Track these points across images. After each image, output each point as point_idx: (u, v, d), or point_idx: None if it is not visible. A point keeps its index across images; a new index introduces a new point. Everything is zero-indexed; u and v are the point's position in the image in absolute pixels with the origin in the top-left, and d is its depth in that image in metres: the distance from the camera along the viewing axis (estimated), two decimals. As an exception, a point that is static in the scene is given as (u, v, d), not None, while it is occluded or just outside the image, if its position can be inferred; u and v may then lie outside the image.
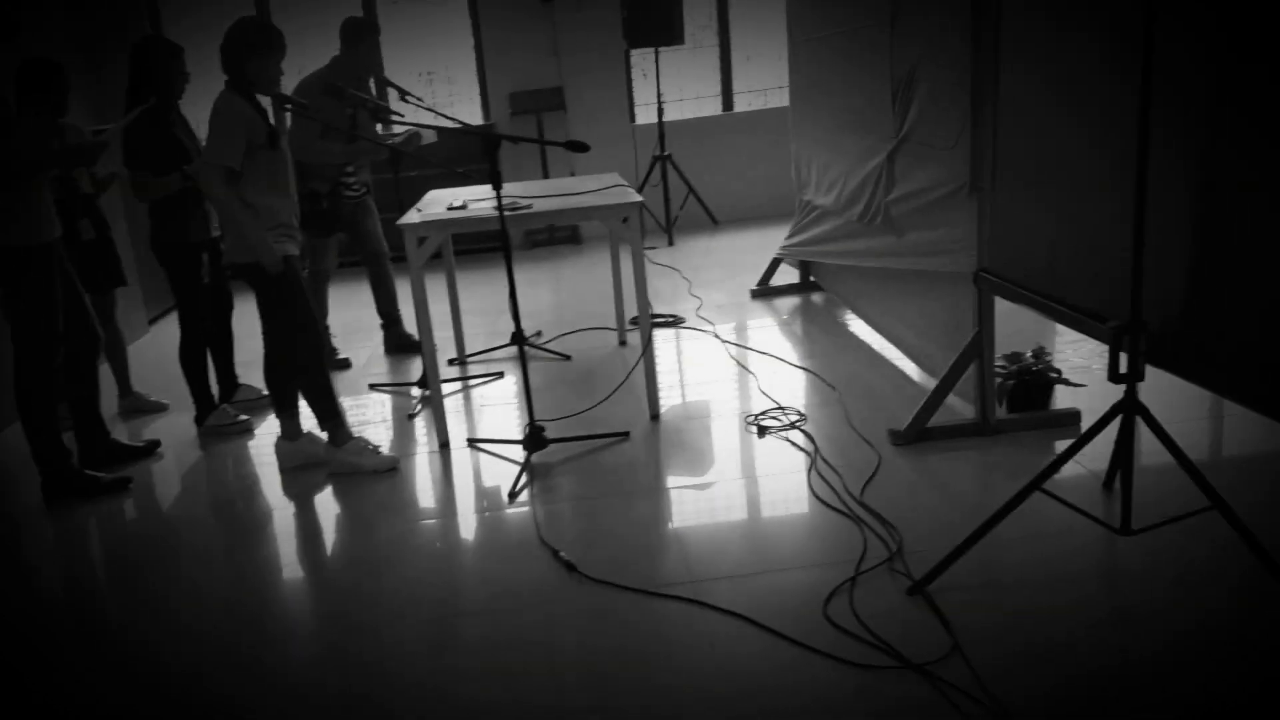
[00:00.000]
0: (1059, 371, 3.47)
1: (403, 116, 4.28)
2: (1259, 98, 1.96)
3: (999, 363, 3.46)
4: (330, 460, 3.63)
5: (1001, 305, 3.21)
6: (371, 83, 4.80)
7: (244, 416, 4.22)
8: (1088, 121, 2.48)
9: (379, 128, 4.98)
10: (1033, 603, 2.38)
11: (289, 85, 3.89)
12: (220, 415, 4.16)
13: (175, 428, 4.29)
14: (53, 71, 3.93)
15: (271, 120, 3.42)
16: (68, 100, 4.02)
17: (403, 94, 4.40)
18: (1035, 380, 3.43)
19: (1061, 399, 3.54)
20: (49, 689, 2.47)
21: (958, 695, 2.05)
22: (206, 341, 4.21)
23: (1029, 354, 3.48)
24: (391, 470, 3.60)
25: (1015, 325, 3.81)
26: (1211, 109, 2.08)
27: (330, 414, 3.59)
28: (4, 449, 4.18)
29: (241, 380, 4.46)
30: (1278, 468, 3.00)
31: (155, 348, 5.62)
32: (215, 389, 4.31)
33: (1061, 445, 3.26)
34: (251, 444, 4.07)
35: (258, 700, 2.33)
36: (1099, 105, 2.40)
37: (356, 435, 3.71)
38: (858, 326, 4.77)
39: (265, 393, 4.17)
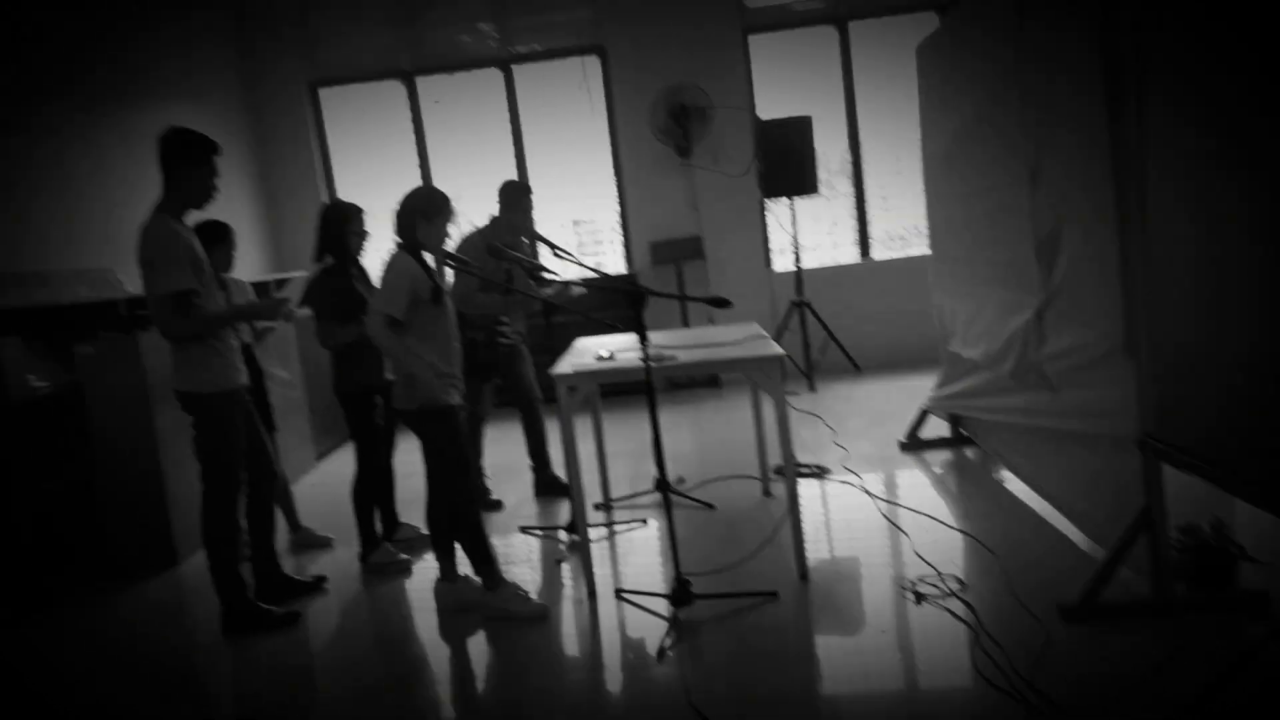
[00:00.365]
0: (1241, 547, 3.25)
1: (556, 273, 4.54)
2: None
3: (1175, 535, 3.28)
4: (484, 605, 3.71)
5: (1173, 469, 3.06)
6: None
7: (404, 556, 4.38)
8: (1251, 282, 2.40)
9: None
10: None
11: (452, 241, 4.20)
12: (383, 554, 4.34)
13: (340, 563, 4.49)
14: (224, 231, 4.38)
15: (436, 279, 3.69)
16: (234, 257, 4.45)
17: (554, 249, 4.66)
18: (1214, 558, 3.22)
19: (1248, 575, 3.30)
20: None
21: None
22: (376, 481, 4.43)
23: (1207, 527, 3.29)
24: (542, 618, 3.65)
25: (1185, 482, 3.61)
26: None
27: (485, 559, 3.69)
28: (187, 577, 4.45)
29: (402, 519, 4.66)
30: None
31: (322, 484, 5.93)
32: (379, 526, 4.51)
33: (1251, 629, 3.02)
34: (409, 582, 4.21)
35: None
36: (1260, 265, 2.33)
37: (511, 581, 3.79)
38: (1016, 486, 4.61)
39: (424, 532, 4.34)
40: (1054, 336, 3.76)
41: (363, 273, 4.46)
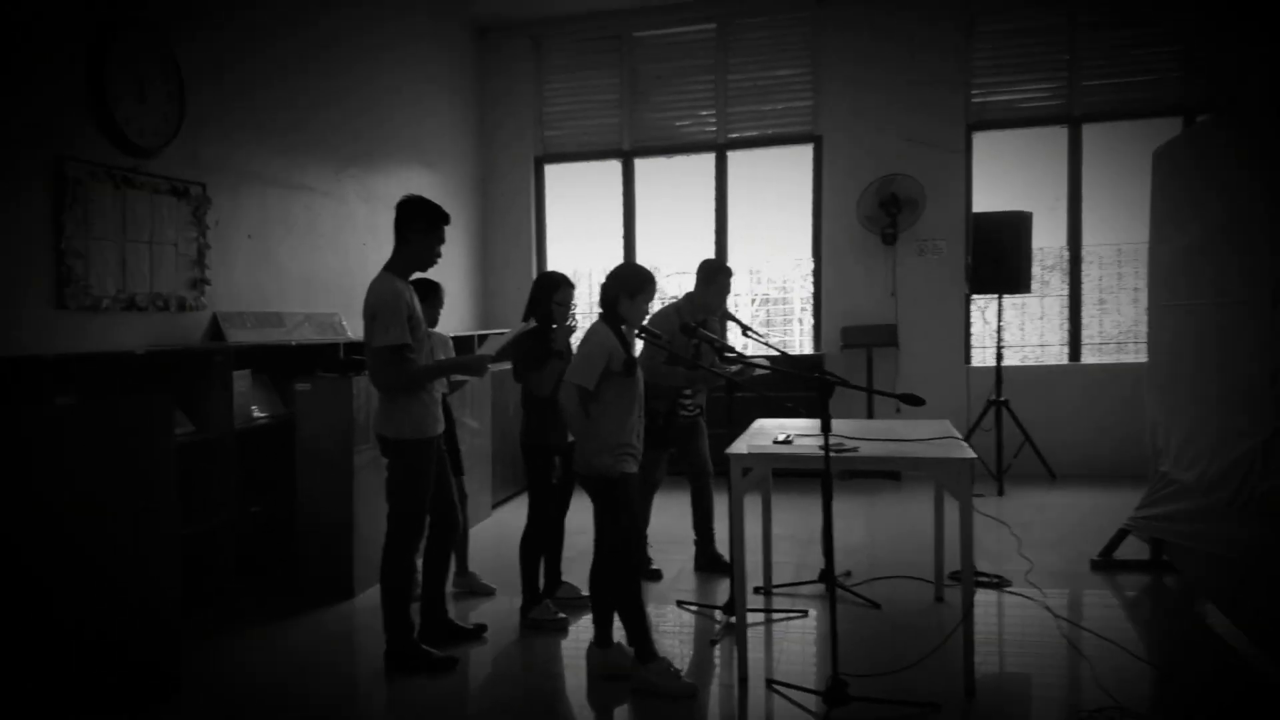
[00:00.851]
0: None
1: (742, 353, 4.56)
2: None
3: None
4: (634, 675, 3.72)
5: None
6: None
7: (563, 615, 4.46)
8: None
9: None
10: None
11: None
12: (543, 610, 4.44)
13: (499, 613, 4.63)
14: (434, 289, 4.70)
15: (630, 351, 3.81)
16: (439, 314, 4.75)
17: (745, 329, 4.70)
18: None
19: None
20: None
21: None
22: (548, 536, 4.55)
23: None
24: (690, 698, 3.61)
25: None
26: None
27: (640, 630, 3.71)
28: (359, 610, 4.72)
29: (565, 578, 4.75)
30: None
31: (494, 532, 6.17)
32: (542, 581, 4.62)
33: None
34: (564, 642, 4.28)
35: None
36: None
37: (662, 655, 3.78)
38: (1219, 621, 4.16)
39: (585, 593, 4.41)
40: (1283, 464, 3.41)
41: (564, 337, 4.61)
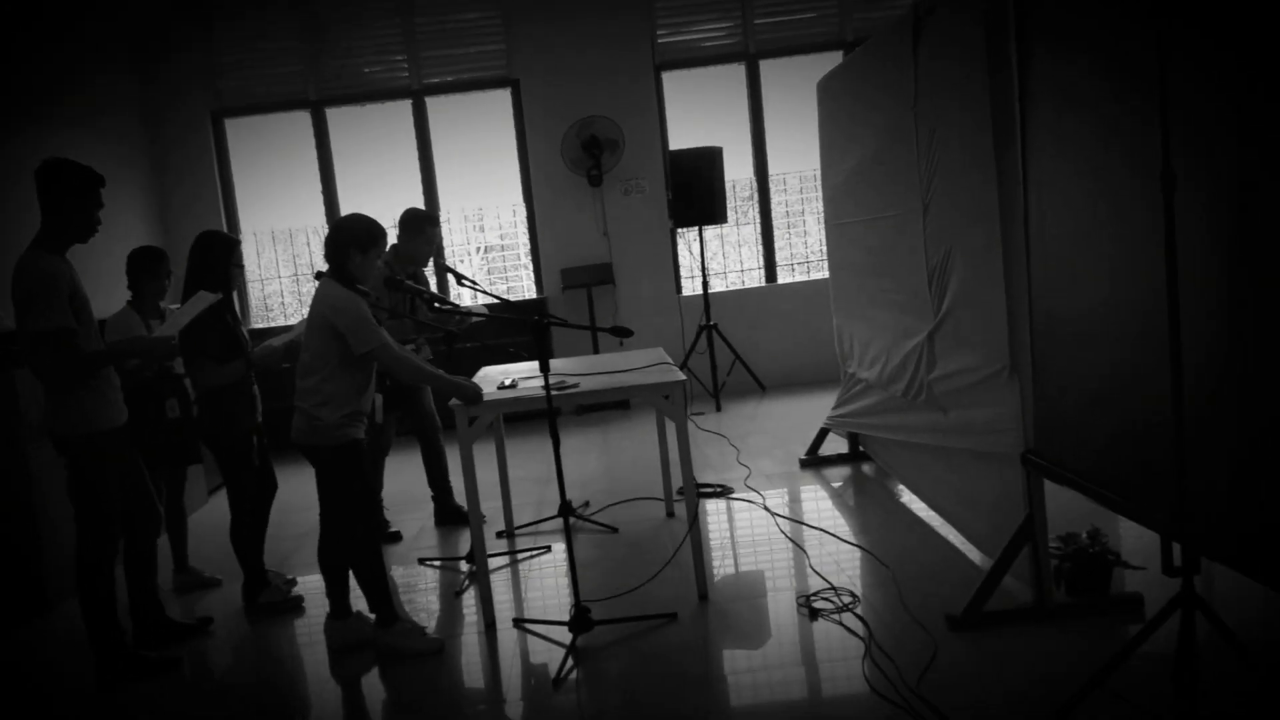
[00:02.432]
0: (1117, 554, 3.39)
1: (455, 303, 4.48)
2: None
3: (1054, 544, 3.39)
4: (377, 641, 3.62)
5: (1053, 484, 3.18)
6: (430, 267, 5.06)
7: (297, 592, 4.23)
8: (1130, 311, 2.52)
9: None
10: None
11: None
12: (272, 593, 4.18)
13: (228, 604, 4.32)
14: (158, 257, 4.33)
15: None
16: (166, 285, 4.36)
17: (459, 279, 4.62)
18: (1092, 563, 3.34)
19: (1125, 580, 3.43)
20: None
21: None
22: (255, 520, 4.25)
23: (1084, 535, 3.41)
24: (438, 652, 3.57)
25: (1069, 496, 3.74)
26: (1234, 280, 2.12)
27: (380, 594, 3.60)
28: (60, 625, 4.22)
29: (295, 556, 4.48)
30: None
31: (212, 520, 5.72)
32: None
33: (1127, 631, 3.14)
34: (301, 621, 4.08)
35: None
36: (1139, 293, 2.45)
37: (404, 616, 3.70)
38: (909, 499, 4.72)
39: (293, 594, 4.20)
40: (944, 359, 3.88)
41: (232, 308, 4.24)
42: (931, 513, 4.42)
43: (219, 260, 4.09)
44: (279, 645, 3.87)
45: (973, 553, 3.92)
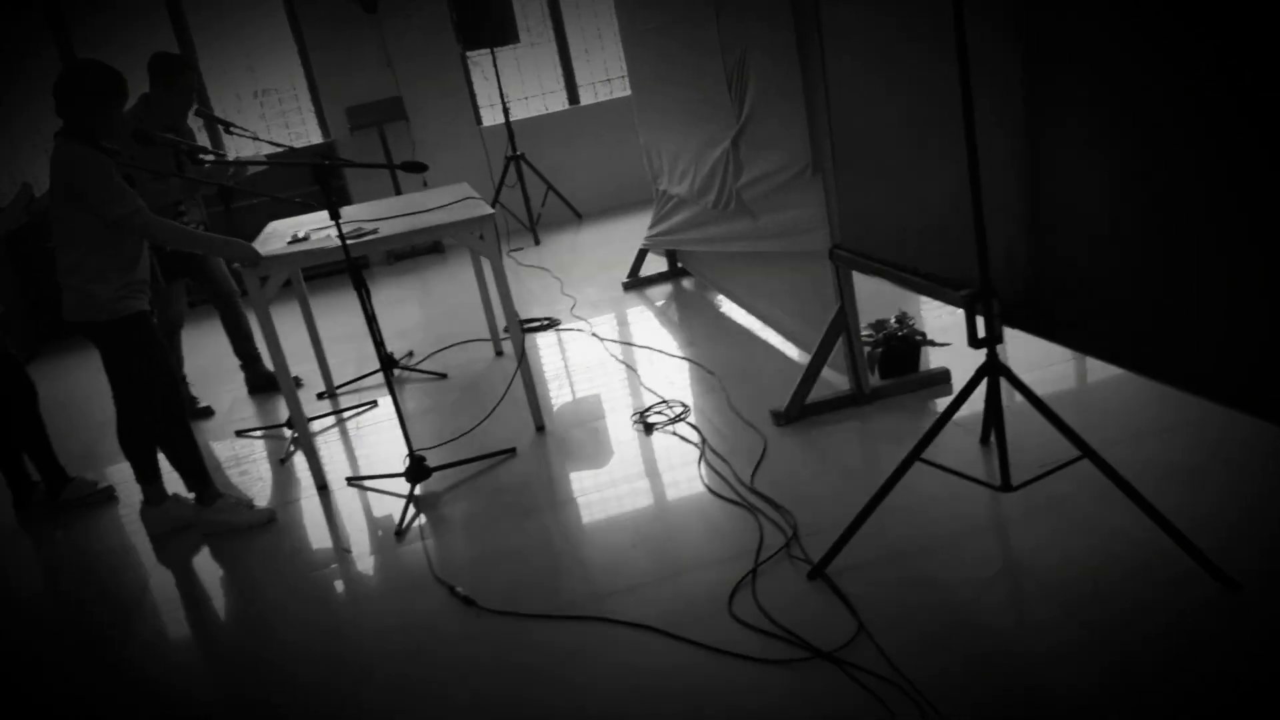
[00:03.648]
0: (924, 334, 3.58)
1: (224, 154, 4.05)
2: (1073, 55, 2.04)
3: (865, 332, 3.54)
4: (200, 521, 3.42)
5: (864, 275, 3.28)
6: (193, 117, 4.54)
7: (106, 483, 3.90)
8: (915, 96, 2.54)
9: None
10: (930, 571, 2.44)
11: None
12: (77, 486, 3.84)
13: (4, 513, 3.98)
14: None
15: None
16: None
17: (227, 127, 4.17)
18: (902, 345, 3.52)
19: (933, 358, 3.65)
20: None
21: (869, 679, 2.08)
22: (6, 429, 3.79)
23: (893, 320, 3.58)
24: (269, 523, 3.43)
25: (878, 290, 3.90)
26: (1029, 76, 2.15)
27: (195, 473, 3.38)
28: None
29: (73, 474, 4.03)
30: (1136, 396, 3.16)
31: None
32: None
33: (938, 404, 3.36)
34: (120, 511, 3.80)
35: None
36: (923, 78, 2.46)
37: (225, 492, 3.51)
38: (730, 308, 4.81)
39: (101, 486, 3.88)
40: (749, 165, 3.85)
41: None
42: (752, 318, 4.52)
43: None
44: (94, 542, 3.61)
45: (793, 351, 4.06)
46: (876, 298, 3.94)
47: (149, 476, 3.45)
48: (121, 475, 4.10)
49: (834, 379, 3.57)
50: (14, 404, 3.78)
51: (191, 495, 3.44)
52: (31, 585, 3.44)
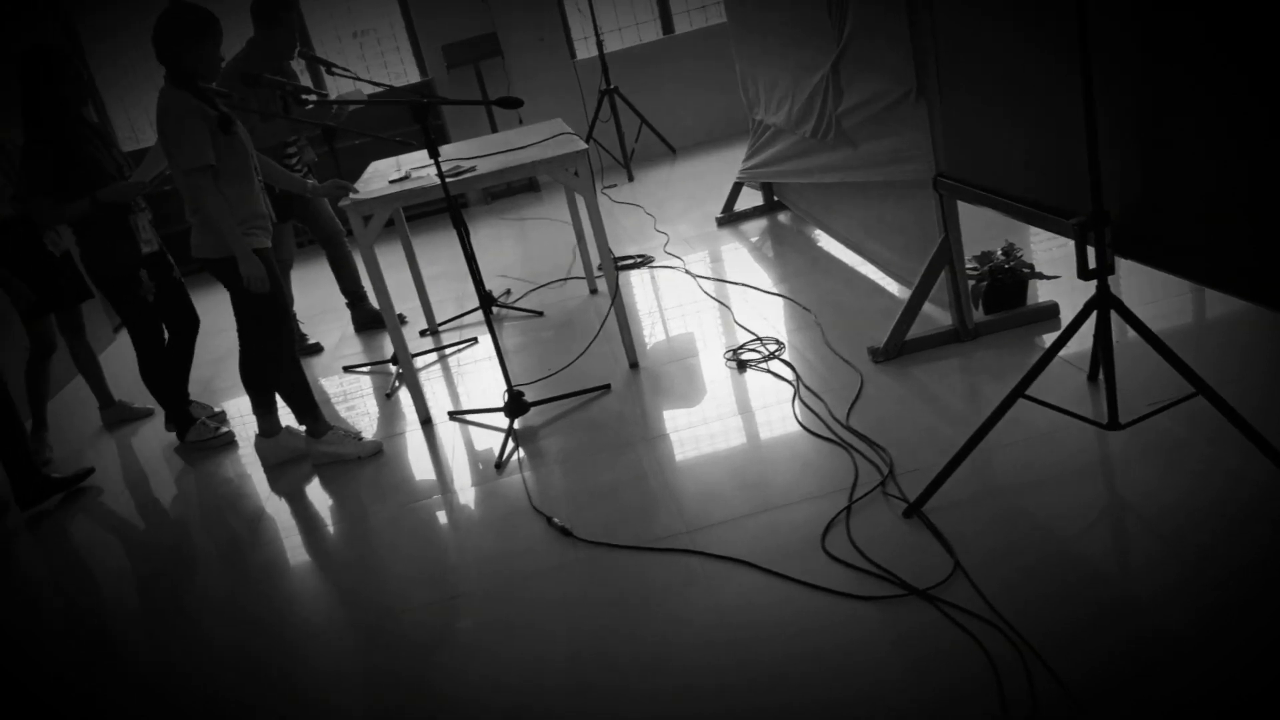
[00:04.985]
0: (1031, 266, 3.44)
1: (326, 94, 4.13)
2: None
3: (970, 265, 3.42)
4: (312, 452, 3.58)
5: (969, 205, 3.16)
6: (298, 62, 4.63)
7: (225, 429, 4.11)
8: (1027, 14, 2.39)
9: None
10: (1030, 510, 2.38)
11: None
12: (200, 430, 4.06)
13: (162, 435, 4.23)
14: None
15: (220, 105, 3.27)
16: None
17: (330, 68, 4.24)
18: (1008, 278, 3.39)
19: (1040, 292, 3.51)
20: (61, 699, 2.46)
21: (965, 617, 2.06)
22: (169, 355, 4.04)
23: (999, 252, 3.44)
24: (377, 454, 3.56)
25: (983, 222, 3.76)
26: (1157, -14, 2.00)
27: (306, 406, 3.53)
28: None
29: (219, 381, 4.30)
30: (1254, 337, 2.99)
31: (126, 354, 5.50)
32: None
33: (1044, 340, 3.24)
34: (240, 452, 4.01)
35: (269, 700, 2.32)
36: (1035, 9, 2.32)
37: (336, 424, 3.66)
38: (827, 243, 4.71)
39: (221, 430, 4.08)
40: (849, 90, 3.72)
41: (92, 129, 3.83)
42: (850, 253, 4.42)
43: (45, 82, 3.61)
44: (215, 472, 3.82)
45: (892, 286, 3.96)
46: (983, 229, 3.80)
47: (266, 409, 3.62)
48: (236, 410, 4.33)
49: (935, 314, 3.48)
50: (182, 335, 4.04)
51: (303, 428, 3.60)
52: (174, 501, 3.67)
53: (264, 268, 3.29)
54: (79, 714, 2.49)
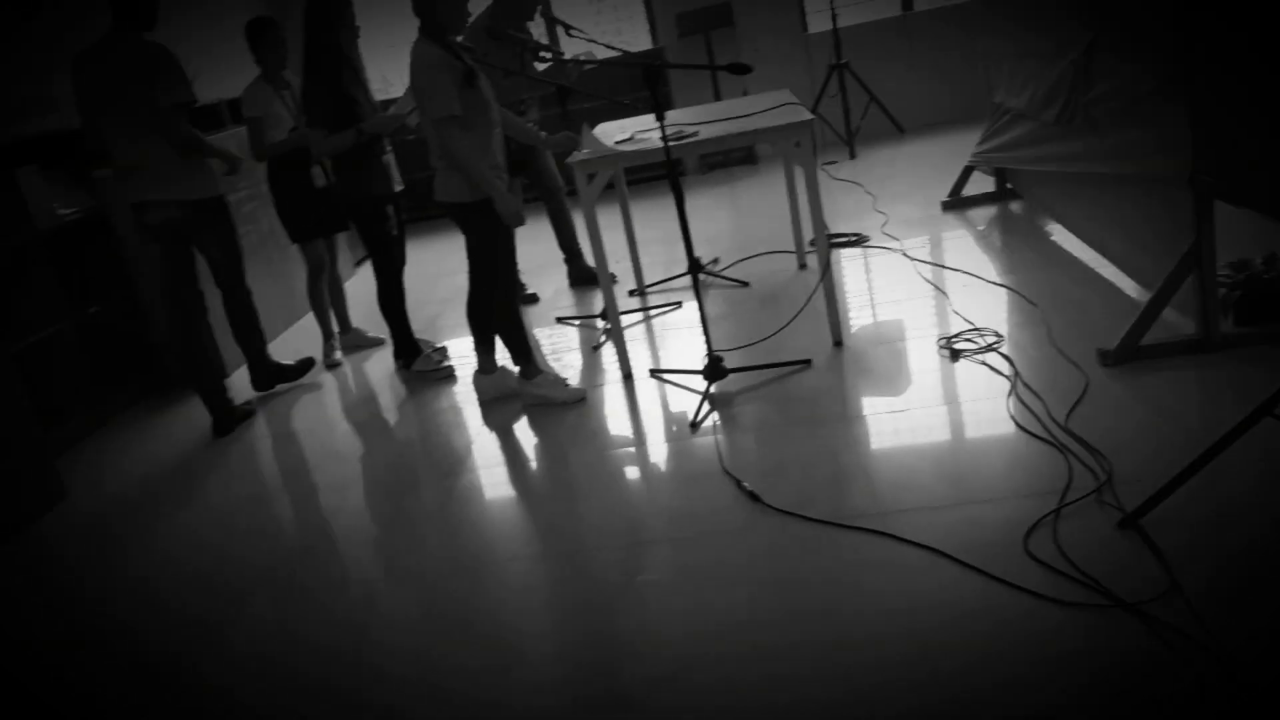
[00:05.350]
0: (1296, 278, 3.10)
1: (564, 54, 4.29)
2: None
3: (1223, 272, 3.13)
4: (523, 393, 3.78)
5: (1224, 208, 2.88)
6: (537, 22, 4.82)
7: (447, 363, 4.38)
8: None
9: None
10: (1261, 538, 2.17)
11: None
12: (424, 361, 4.37)
13: (389, 362, 4.59)
14: (263, 27, 4.31)
15: (466, 59, 3.48)
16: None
17: (568, 29, 4.40)
18: (1267, 290, 3.08)
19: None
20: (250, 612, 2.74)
21: (1174, 636, 1.92)
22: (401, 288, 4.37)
23: (1259, 261, 3.13)
24: (580, 401, 3.71)
25: (1240, 227, 3.41)
26: None
27: (522, 349, 3.72)
28: (236, 390, 4.57)
29: (442, 320, 4.59)
30: None
31: (354, 289, 5.99)
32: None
33: (1301, 361, 2.93)
34: (455, 387, 4.28)
35: (475, 622, 2.49)
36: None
37: (546, 369, 3.83)
38: (1062, 236, 4.43)
39: (445, 363, 4.35)
40: (1102, 76, 3.48)
41: (353, 71, 4.19)
42: (1086, 249, 4.14)
43: (325, 28, 3.98)
44: (434, 401, 4.10)
45: (1131, 288, 3.68)
46: (1239, 236, 3.46)
47: (487, 347, 3.85)
48: (456, 351, 4.61)
49: (1176, 321, 3.21)
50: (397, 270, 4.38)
51: (517, 369, 3.79)
52: (398, 424, 3.98)
53: (517, 203, 3.49)
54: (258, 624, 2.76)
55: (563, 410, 3.68)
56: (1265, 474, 2.39)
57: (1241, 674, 1.80)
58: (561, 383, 3.79)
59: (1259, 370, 2.92)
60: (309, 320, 5.17)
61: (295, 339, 5.28)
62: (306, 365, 4.60)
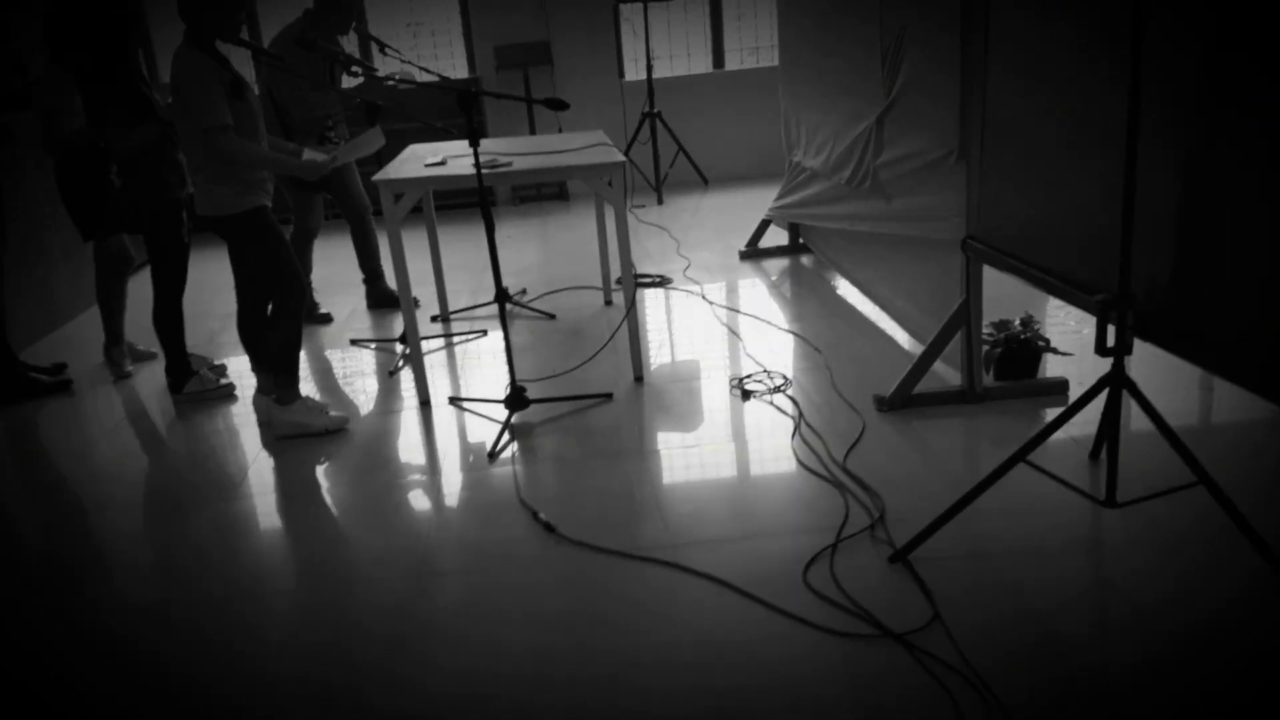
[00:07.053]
0: (1047, 340, 3.44)
1: (377, 71, 4.19)
2: (1247, 80, 1.91)
3: (986, 330, 3.43)
4: (274, 421, 3.54)
5: (991, 272, 3.17)
6: (350, 38, 4.69)
7: (225, 380, 4.10)
8: (1077, 94, 2.42)
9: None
10: (1015, 573, 2.37)
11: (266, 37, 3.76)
12: (200, 381, 4.04)
13: (162, 380, 4.23)
14: None
15: (233, 68, 3.32)
16: None
17: (382, 47, 4.28)
18: (1023, 349, 3.40)
19: (1050, 367, 3.51)
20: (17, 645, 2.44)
21: (937, 665, 2.04)
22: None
23: (1017, 322, 3.45)
24: (339, 430, 3.54)
25: (1004, 290, 3.77)
26: (1201, 90, 2.02)
27: (289, 368, 3.50)
28: None
29: (222, 336, 4.33)
30: (1265, 439, 2.99)
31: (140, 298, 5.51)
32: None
33: (1049, 414, 3.24)
34: (235, 407, 4.00)
35: (231, 661, 2.30)
36: (1088, 78, 2.35)
37: (303, 395, 3.61)
38: (847, 290, 4.73)
39: (223, 382, 4.08)
40: (891, 144, 3.76)
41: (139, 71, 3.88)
42: (867, 302, 4.44)
43: (112, 20, 3.68)
44: (210, 423, 3.81)
45: (906, 340, 3.97)
46: (1002, 299, 3.81)
47: (265, 366, 3.62)
48: (236, 368, 4.32)
49: (945, 373, 3.48)
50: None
51: (272, 397, 3.55)
52: (154, 451, 3.65)
53: (321, 160, 3.43)
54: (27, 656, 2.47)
55: (348, 438, 3.50)
56: (1017, 516, 2.61)
57: (992, 698, 1.93)
58: (321, 409, 3.60)
59: (1015, 421, 3.20)
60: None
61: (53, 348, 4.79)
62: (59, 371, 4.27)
